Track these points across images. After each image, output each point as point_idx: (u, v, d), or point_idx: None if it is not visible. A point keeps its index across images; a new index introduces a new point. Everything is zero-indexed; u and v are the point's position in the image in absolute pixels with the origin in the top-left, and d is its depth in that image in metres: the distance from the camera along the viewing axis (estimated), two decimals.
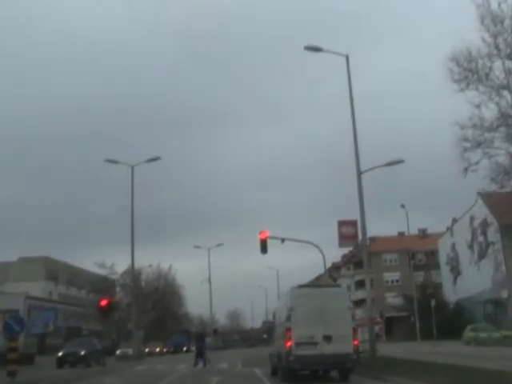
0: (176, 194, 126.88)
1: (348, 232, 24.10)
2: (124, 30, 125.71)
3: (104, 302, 26.84)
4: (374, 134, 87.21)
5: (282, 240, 29.28)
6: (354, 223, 23.81)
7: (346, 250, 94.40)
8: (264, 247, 27.85)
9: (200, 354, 28.76)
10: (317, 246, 29.70)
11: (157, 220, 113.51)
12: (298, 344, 15.46)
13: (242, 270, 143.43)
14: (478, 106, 25.02)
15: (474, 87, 25.02)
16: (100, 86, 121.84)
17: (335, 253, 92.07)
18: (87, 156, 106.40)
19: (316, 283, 18.11)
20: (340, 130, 61.35)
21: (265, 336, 62.33)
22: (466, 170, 25.12)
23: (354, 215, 23.42)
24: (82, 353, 29.77)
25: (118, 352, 40.08)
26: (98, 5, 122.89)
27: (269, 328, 26.42)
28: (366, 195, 23.13)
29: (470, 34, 24.44)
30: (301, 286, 17.29)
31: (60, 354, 30.19)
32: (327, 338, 15.41)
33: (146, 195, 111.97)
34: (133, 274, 33.87)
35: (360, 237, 23.66)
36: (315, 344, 15.46)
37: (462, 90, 25.12)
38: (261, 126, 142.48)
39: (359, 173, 22.71)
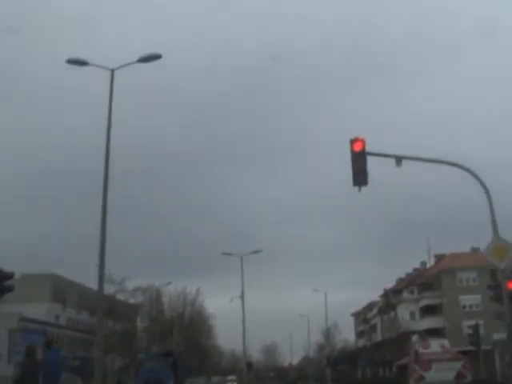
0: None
1: None
2: None
3: None
4: None
5: (399, 159, 15.75)
6: None
7: (403, 273, 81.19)
8: (360, 170, 15.24)
9: None
10: (469, 170, 16.07)
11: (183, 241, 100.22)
12: None
13: (280, 298, 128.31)
14: None
15: None
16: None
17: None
18: None
19: None
20: None
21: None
22: None
23: None
24: None
25: None
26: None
27: None
28: None
29: None
30: None
31: None
32: None
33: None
34: (101, 272, 20.94)
35: None
36: None
37: None
38: None
39: None
